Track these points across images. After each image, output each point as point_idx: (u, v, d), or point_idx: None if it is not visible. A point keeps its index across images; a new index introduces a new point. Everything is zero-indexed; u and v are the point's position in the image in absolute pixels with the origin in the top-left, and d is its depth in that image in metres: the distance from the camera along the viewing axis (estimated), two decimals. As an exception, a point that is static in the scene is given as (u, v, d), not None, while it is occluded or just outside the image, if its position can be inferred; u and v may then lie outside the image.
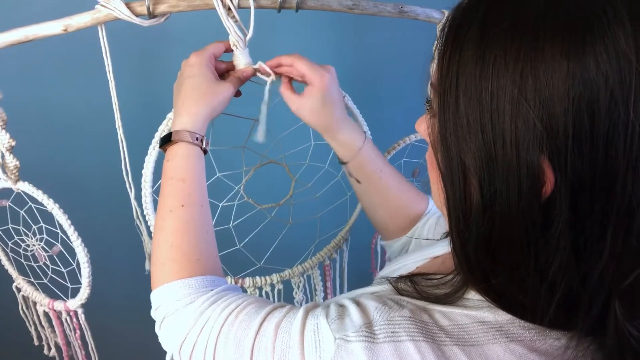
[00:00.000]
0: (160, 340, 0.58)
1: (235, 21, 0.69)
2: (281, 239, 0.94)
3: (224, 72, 0.73)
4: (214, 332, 0.52)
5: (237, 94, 0.72)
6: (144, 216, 0.79)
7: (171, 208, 0.62)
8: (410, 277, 0.52)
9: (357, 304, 0.48)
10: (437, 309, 0.46)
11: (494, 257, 0.44)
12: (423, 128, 0.51)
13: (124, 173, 0.78)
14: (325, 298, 0.97)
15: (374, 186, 0.78)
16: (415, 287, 0.50)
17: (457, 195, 0.44)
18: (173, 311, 0.56)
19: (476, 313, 0.45)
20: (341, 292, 1.01)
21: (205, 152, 0.67)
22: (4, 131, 0.74)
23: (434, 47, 0.45)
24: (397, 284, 0.52)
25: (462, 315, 0.45)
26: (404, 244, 0.80)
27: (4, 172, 0.78)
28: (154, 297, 0.59)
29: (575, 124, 0.37)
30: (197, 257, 0.60)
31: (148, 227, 0.80)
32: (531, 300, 0.43)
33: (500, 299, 0.45)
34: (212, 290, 0.57)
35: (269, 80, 0.72)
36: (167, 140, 0.65)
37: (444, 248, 0.61)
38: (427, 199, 0.81)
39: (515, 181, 0.40)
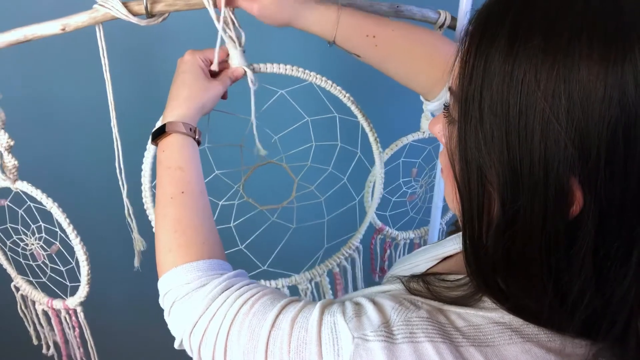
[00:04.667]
0: (170, 326, 0.57)
1: (231, 21, 0.69)
2: (285, 242, 0.91)
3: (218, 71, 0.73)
4: (227, 320, 0.51)
5: (224, 96, 0.73)
6: (135, 214, 0.80)
7: (172, 195, 0.61)
8: (423, 277, 0.51)
9: (373, 302, 0.47)
10: (452, 309, 0.46)
11: (510, 273, 0.43)
12: (438, 129, 0.50)
13: (117, 171, 0.78)
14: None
15: (375, 55, 0.71)
16: (428, 287, 0.49)
17: (474, 208, 0.42)
18: (183, 294, 0.55)
19: (491, 314, 0.45)
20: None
21: (198, 143, 0.67)
22: (2, 131, 0.74)
23: (456, 52, 0.43)
24: (409, 283, 0.51)
25: (477, 316, 0.45)
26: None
27: (3, 171, 0.78)
28: (162, 283, 0.58)
29: (609, 149, 0.36)
30: (202, 241, 0.59)
31: (147, 224, 0.80)
32: (549, 317, 0.42)
33: (515, 309, 0.44)
34: (222, 275, 0.56)
35: (251, 84, 0.73)
36: (159, 133, 0.66)
37: (455, 246, 0.59)
38: (448, 42, 0.72)
39: (542, 201, 0.38)
